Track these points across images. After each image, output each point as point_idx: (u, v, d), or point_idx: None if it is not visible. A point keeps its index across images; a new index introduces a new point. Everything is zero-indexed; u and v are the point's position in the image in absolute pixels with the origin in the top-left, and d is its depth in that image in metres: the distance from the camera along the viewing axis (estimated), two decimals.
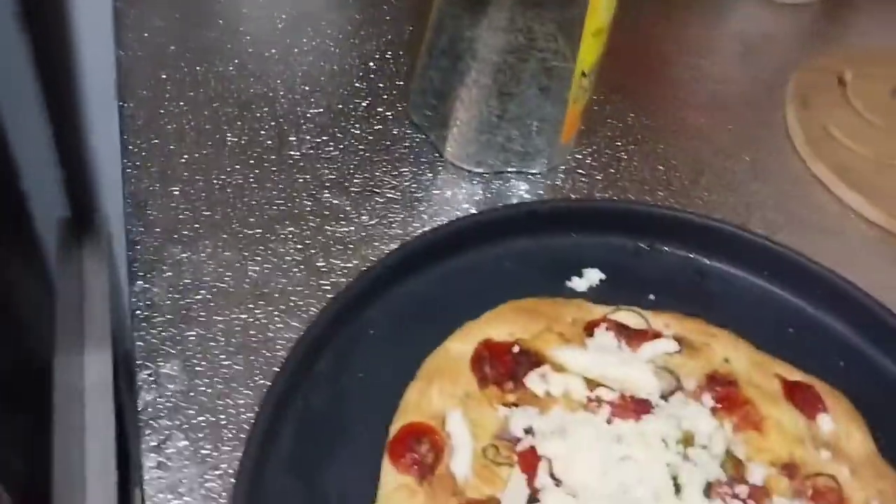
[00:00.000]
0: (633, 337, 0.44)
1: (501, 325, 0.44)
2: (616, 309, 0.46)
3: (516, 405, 0.41)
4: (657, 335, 0.44)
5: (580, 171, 0.63)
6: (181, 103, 0.61)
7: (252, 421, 0.41)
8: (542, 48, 0.55)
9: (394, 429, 0.40)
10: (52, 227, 0.93)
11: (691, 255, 0.50)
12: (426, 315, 0.45)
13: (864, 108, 0.71)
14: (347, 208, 0.57)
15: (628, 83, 0.71)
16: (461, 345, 0.43)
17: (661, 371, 0.42)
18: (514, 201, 0.59)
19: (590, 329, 0.44)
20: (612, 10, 0.55)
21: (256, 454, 0.37)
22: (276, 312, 0.51)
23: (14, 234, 0.90)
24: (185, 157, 0.58)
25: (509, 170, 0.61)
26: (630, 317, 0.45)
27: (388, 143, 0.62)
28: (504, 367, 0.41)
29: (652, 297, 0.48)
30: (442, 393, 0.41)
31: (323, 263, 0.54)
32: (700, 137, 0.68)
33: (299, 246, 0.54)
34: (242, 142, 0.59)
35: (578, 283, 0.48)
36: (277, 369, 0.42)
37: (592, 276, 0.48)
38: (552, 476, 0.38)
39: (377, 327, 0.44)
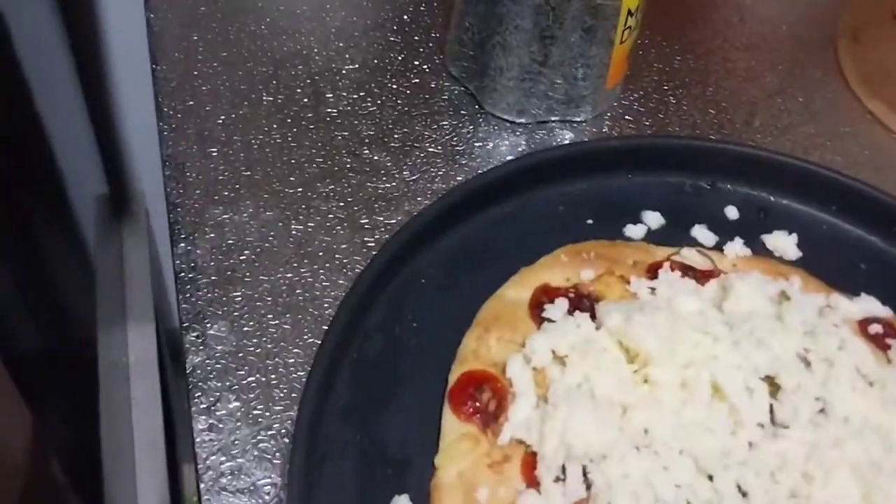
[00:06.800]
0: (700, 277, 0.42)
1: (558, 270, 0.42)
2: (679, 249, 0.44)
3: None
4: (724, 275, 0.42)
5: (627, 117, 0.60)
6: (214, 64, 0.59)
7: (306, 376, 0.40)
8: None
9: (453, 377, 0.38)
10: (90, 205, 0.93)
11: (754, 192, 0.47)
12: (477, 262, 0.43)
13: None
14: (388, 164, 0.55)
15: (672, 26, 0.68)
16: (517, 291, 0.41)
17: None
18: None
19: (652, 271, 0.42)
20: None
21: (313, 407, 0.36)
22: (321, 271, 0.50)
23: (53, 213, 0.90)
24: (222, 118, 0.57)
25: (553, 119, 0.59)
26: (695, 257, 0.43)
27: (427, 96, 0.60)
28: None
29: (714, 237, 0.46)
30: (500, 340, 0.39)
31: (366, 220, 0.52)
32: (750, 79, 0.65)
33: (341, 203, 0.53)
34: (279, 101, 0.58)
35: (635, 231, 0.46)
36: (328, 324, 0.41)
37: (651, 220, 0.46)
38: None
39: (428, 276, 0.42)
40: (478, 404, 0.37)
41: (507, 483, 0.35)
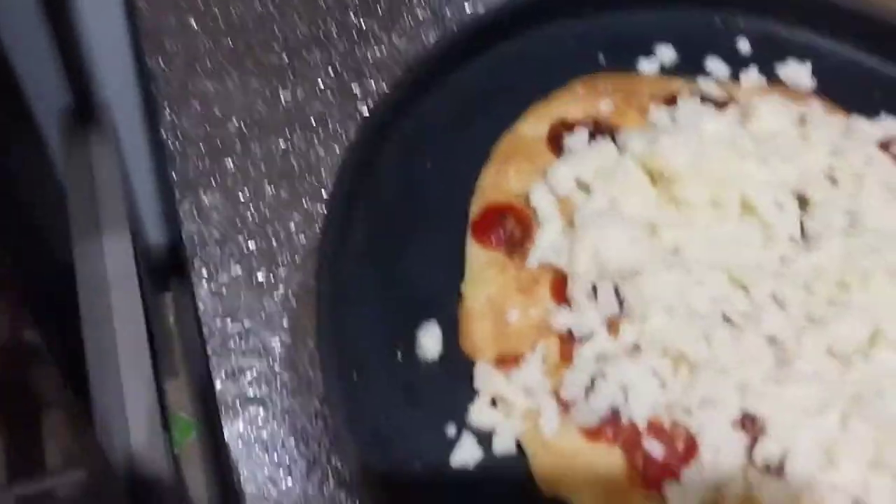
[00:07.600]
0: (719, 107, 0.40)
1: (574, 103, 0.40)
2: (696, 80, 0.42)
3: None
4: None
5: None
6: None
7: (319, 230, 0.39)
8: None
9: (474, 210, 0.37)
10: (55, 121, 0.88)
11: (767, 24, 0.45)
12: (488, 100, 0.41)
13: None
14: (376, 30, 0.53)
15: None
16: (534, 126, 0.39)
17: None
18: None
19: (671, 102, 0.40)
20: None
21: (332, 250, 0.34)
22: (315, 139, 0.48)
23: (17, 131, 0.85)
24: None
25: None
26: (711, 87, 0.41)
27: None
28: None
29: (728, 68, 0.44)
30: (520, 172, 0.37)
31: (358, 88, 0.50)
32: None
33: (330, 71, 0.51)
34: None
35: (647, 65, 0.44)
36: (335, 178, 0.39)
37: (664, 54, 0.44)
38: None
39: (438, 117, 0.40)
40: (502, 232, 0.36)
41: (537, 304, 0.34)
